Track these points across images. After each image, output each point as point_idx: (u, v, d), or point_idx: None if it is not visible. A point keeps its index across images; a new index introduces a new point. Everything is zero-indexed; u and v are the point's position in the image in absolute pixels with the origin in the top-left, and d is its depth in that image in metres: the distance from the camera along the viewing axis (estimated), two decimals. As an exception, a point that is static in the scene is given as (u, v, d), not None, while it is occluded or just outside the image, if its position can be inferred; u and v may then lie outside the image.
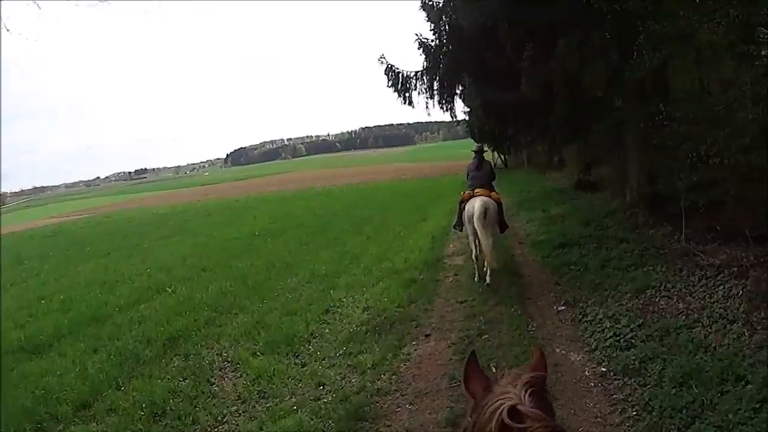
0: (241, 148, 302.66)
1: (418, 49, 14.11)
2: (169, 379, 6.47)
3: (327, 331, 7.53)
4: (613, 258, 8.81)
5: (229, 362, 6.92)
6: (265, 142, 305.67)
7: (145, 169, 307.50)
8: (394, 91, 15.06)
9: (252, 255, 13.89)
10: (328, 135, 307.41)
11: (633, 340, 5.82)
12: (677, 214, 9.32)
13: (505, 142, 27.48)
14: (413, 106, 15.13)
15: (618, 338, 5.96)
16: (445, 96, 15.09)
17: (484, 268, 8.65)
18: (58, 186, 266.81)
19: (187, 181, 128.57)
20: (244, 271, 11.87)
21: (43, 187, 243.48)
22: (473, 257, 9.02)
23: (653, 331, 5.91)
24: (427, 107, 15.43)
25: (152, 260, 15.27)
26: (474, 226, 8.39)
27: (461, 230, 9.46)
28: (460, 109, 18.35)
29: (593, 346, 5.94)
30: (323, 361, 6.47)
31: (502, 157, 39.05)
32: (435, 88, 14.89)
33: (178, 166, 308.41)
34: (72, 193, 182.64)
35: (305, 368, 6.36)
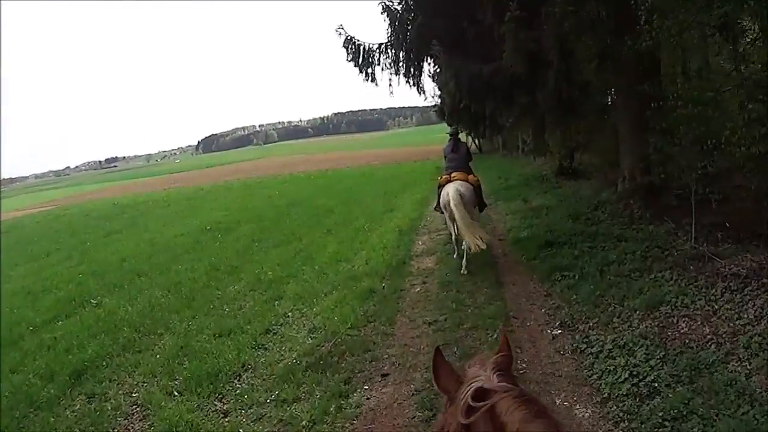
0: (213, 134, 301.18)
1: (382, 13, 12.48)
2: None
3: (262, 361, 5.98)
4: (612, 261, 7.41)
5: (138, 406, 5.43)
6: (236, 128, 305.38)
7: (116, 157, 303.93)
8: (355, 65, 13.28)
9: (197, 255, 12.43)
10: (300, 121, 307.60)
11: (656, 384, 4.40)
12: (676, 207, 8.63)
13: (481, 124, 24.84)
14: (376, 83, 13.41)
15: (636, 380, 4.51)
16: (412, 70, 13.42)
17: (463, 247, 8.47)
18: (27, 177, 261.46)
19: (157, 169, 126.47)
20: (183, 277, 10.34)
21: (11, 179, 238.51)
22: (453, 239, 9.12)
23: (680, 369, 4.52)
24: (391, 84, 13.74)
25: (88, 262, 13.60)
26: (450, 214, 8.38)
27: (442, 213, 9.12)
28: (431, 87, 16.59)
29: (605, 394, 4.43)
30: (250, 410, 4.95)
31: (477, 141, 37.62)
32: (401, 61, 13.20)
33: (149, 154, 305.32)
34: (41, 183, 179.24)
35: (227, 419, 4.88)
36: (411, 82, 13.64)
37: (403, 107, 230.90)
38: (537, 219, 11.02)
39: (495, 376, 1.27)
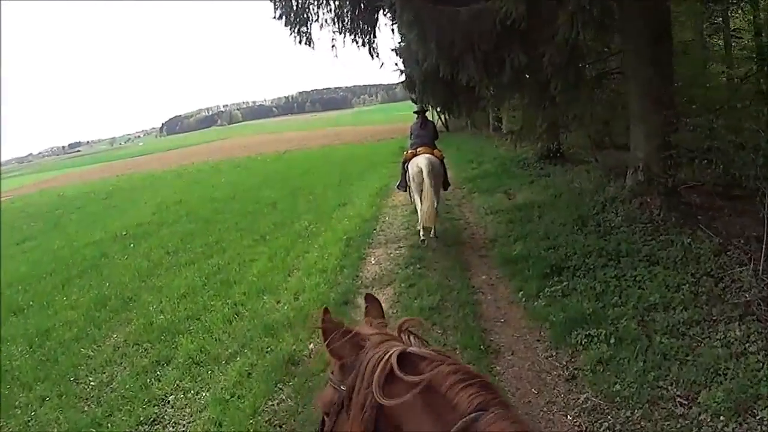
0: (177, 116, 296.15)
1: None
2: None
3: None
4: (654, 305, 4.96)
5: None
6: (201, 109, 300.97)
7: (80, 142, 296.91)
8: (286, 24, 10.33)
9: (94, 277, 9.85)
10: (265, 100, 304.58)
11: None
12: (705, 209, 7.34)
13: (454, 99, 21.31)
14: (312, 45, 10.54)
15: None
16: (360, 25, 10.56)
17: (428, 225, 8.30)
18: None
19: (119, 152, 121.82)
20: (58, 319, 7.72)
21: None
22: (418, 214, 8.52)
23: None
24: (333, 47, 10.84)
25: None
26: (418, 184, 8.17)
27: (405, 190, 9.30)
28: (389, 49, 13.65)
29: None
30: None
31: (443, 117, 34.67)
32: (345, 15, 10.25)
33: (113, 138, 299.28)
34: (3, 171, 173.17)
35: None
36: (360, 42, 10.70)
37: (368, 85, 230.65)
38: (529, 223, 8.45)
39: (413, 339, 1.19)
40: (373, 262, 7.83)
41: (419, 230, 8.53)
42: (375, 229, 9.67)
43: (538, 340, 4.89)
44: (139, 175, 35.31)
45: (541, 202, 9.65)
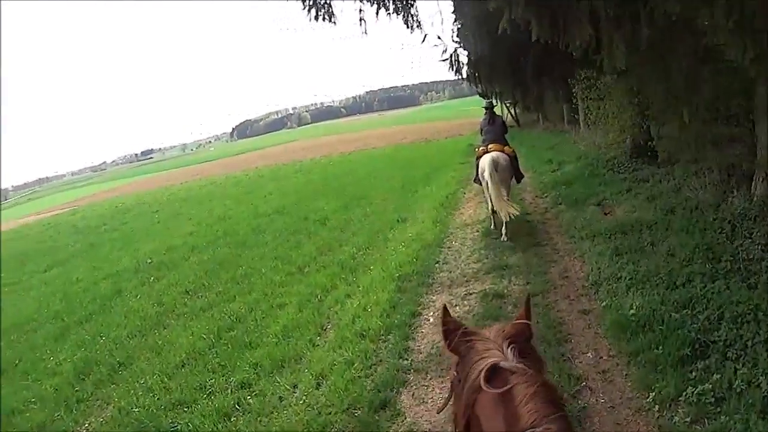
0: (247, 120, 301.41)
1: None
2: None
3: None
4: None
5: None
6: (270, 112, 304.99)
7: (152, 149, 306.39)
8: None
9: (93, 326, 8.46)
10: (333, 101, 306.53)
11: None
12: None
13: (518, 80, 18.38)
14: (333, 20, 8.59)
15: None
16: None
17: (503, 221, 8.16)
18: (65, 174, 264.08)
19: (190, 158, 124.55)
20: (33, 391, 6.29)
21: (47, 178, 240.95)
22: (489, 211, 8.74)
23: None
24: (361, 21, 8.87)
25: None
26: (486, 181, 8.20)
27: (479, 183, 8.89)
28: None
29: None
30: None
31: (513, 112, 32.23)
32: None
33: (185, 144, 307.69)
34: (77, 180, 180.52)
35: None
36: (395, 9, 8.66)
37: (435, 81, 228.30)
38: (641, 254, 6.16)
39: (510, 350, 1.28)
40: (431, 320, 5.73)
41: (491, 226, 8.71)
42: (438, 261, 7.63)
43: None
44: (198, 183, 34.99)
45: (649, 220, 7.27)
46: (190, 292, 8.90)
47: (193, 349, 6.24)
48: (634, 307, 4.87)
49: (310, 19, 8.11)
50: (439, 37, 15.72)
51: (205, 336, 6.58)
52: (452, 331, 1.41)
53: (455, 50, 15.93)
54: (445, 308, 1.47)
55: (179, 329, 7.19)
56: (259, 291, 8.02)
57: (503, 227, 8.14)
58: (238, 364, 5.57)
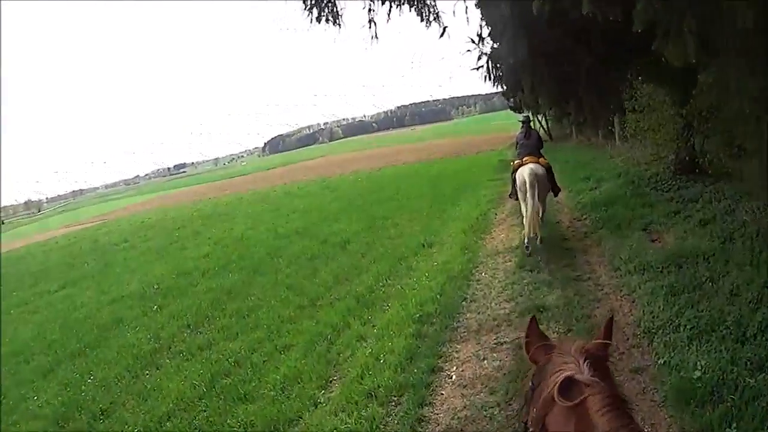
0: (279, 135, 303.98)
1: None
2: None
3: None
4: None
5: None
6: (302, 127, 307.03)
7: (185, 163, 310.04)
8: None
9: (84, 362, 7.99)
10: (365, 116, 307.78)
11: None
12: None
13: (572, 92, 16.38)
14: (338, 23, 7.75)
15: None
16: None
17: (531, 235, 8.16)
18: (98, 187, 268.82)
19: (223, 172, 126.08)
20: None
21: (81, 190, 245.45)
22: (524, 222, 8.48)
23: None
24: (372, 23, 8.02)
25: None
26: (524, 193, 8.30)
27: (516, 199, 8.95)
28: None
29: None
30: None
31: (545, 125, 31.28)
32: None
33: (217, 158, 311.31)
34: (111, 193, 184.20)
35: None
36: (413, 4, 7.80)
37: (466, 96, 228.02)
38: (700, 293, 5.23)
39: (585, 365, 1.31)
40: (453, 377, 4.80)
41: (523, 238, 8.41)
42: (465, 299, 6.71)
43: None
44: (225, 199, 34.86)
45: (705, 250, 6.29)
46: (191, 326, 8.27)
47: (181, 398, 5.57)
48: (700, 367, 4.00)
49: (311, 21, 7.34)
50: (473, 41, 14.56)
51: (197, 382, 5.88)
52: (534, 342, 1.47)
53: (488, 60, 14.84)
54: (533, 319, 1.53)
55: (172, 371, 6.54)
56: (264, 328, 7.31)
57: (528, 239, 8.17)
58: (228, 421, 4.83)
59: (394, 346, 5.50)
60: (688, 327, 4.69)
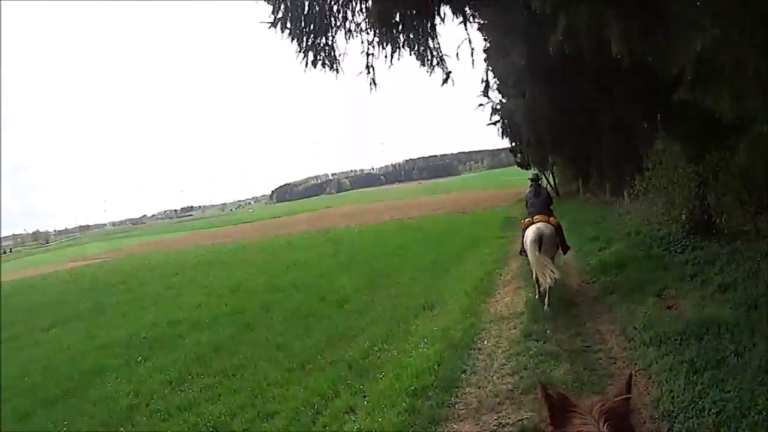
0: (286, 183, 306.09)
1: None
2: None
3: None
4: None
5: None
6: (309, 177, 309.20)
7: (192, 206, 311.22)
8: (291, 36, 7.06)
9: (53, 415, 7.63)
10: (373, 168, 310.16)
11: None
12: None
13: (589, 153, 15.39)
14: (336, 68, 7.33)
15: None
16: (415, 26, 7.28)
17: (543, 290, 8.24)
18: (105, 224, 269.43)
19: (229, 218, 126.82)
20: None
21: (87, 226, 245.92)
22: (534, 279, 8.64)
23: None
24: (370, 69, 7.60)
25: None
26: (531, 252, 8.23)
27: (525, 256, 8.83)
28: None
29: None
30: None
31: (552, 181, 30.92)
32: (393, 14, 6.86)
33: (225, 203, 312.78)
34: (118, 231, 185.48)
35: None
36: (407, 42, 7.32)
37: (474, 151, 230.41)
38: (724, 371, 4.70)
39: (606, 427, 1.30)
40: None
41: (537, 294, 8.57)
42: (465, 371, 6.13)
43: None
44: (228, 247, 34.85)
45: (727, 319, 5.79)
46: (173, 383, 7.94)
47: None
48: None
49: (307, 64, 6.98)
50: (485, 95, 14.09)
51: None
52: (552, 405, 1.41)
53: (501, 118, 14.41)
54: (542, 387, 1.47)
55: (146, 432, 6.07)
56: (248, 391, 6.92)
57: (546, 297, 8.09)
58: None
59: (384, 423, 4.98)
60: (713, 411, 4.21)
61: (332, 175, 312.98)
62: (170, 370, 8.51)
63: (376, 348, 7.63)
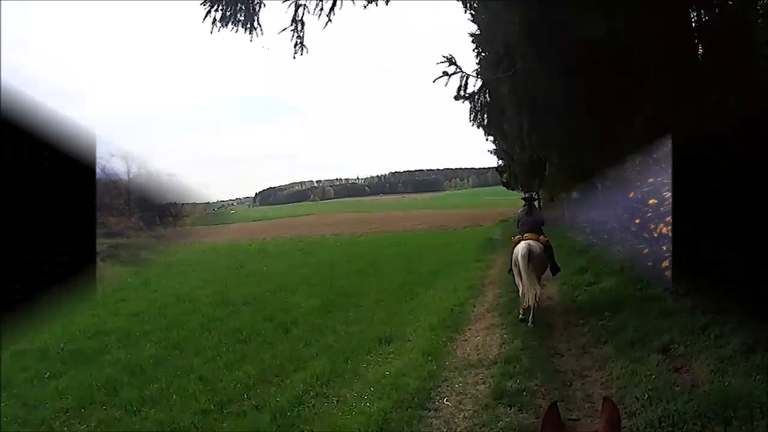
0: (271, 187, 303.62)
1: None
2: None
3: None
4: None
5: None
6: (294, 183, 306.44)
7: (174, 203, 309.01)
8: None
9: None
10: (358, 178, 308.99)
11: None
12: None
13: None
14: (251, 25, 6.00)
15: None
16: None
17: (526, 306, 8.26)
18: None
19: (211, 219, 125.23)
20: None
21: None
22: (520, 295, 8.45)
23: None
24: (297, 25, 6.20)
25: None
26: (519, 269, 8.37)
27: (513, 275, 8.84)
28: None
29: None
30: None
31: (538, 205, 29.78)
32: None
33: (208, 203, 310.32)
34: None
35: None
36: None
37: (460, 168, 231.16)
38: None
39: None
40: None
41: (519, 312, 8.44)
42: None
43: None
44: (197, 247, 33.04)
45: (754, 392, 4.43)
46: (69, 412, 6.44)
47: None
48: None
49: (215, 21, 5.56)
50: (452, 62, 10.51)
51: None
52: (551, 429, 1.41)
53: (477, 96, 11.43)
54: (554, 405, 1.48)
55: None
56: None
57: (531, 314, 8.12)
58: None
59: None
60: None
61: (317, 182, 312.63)
62: (72, 394, 7.00)
63: (312, 393, 6.21)
